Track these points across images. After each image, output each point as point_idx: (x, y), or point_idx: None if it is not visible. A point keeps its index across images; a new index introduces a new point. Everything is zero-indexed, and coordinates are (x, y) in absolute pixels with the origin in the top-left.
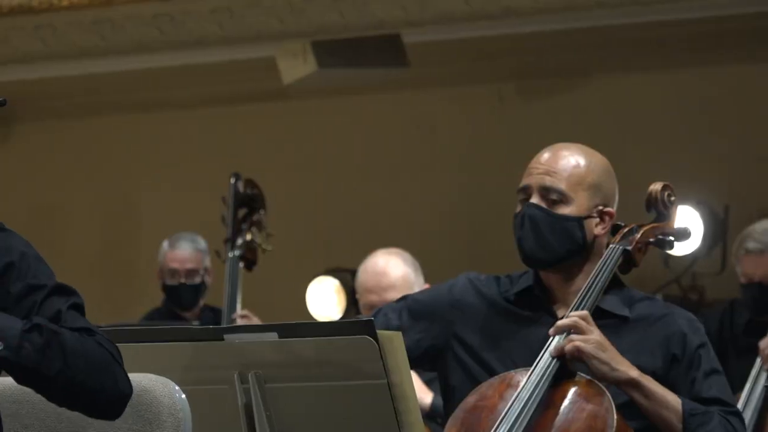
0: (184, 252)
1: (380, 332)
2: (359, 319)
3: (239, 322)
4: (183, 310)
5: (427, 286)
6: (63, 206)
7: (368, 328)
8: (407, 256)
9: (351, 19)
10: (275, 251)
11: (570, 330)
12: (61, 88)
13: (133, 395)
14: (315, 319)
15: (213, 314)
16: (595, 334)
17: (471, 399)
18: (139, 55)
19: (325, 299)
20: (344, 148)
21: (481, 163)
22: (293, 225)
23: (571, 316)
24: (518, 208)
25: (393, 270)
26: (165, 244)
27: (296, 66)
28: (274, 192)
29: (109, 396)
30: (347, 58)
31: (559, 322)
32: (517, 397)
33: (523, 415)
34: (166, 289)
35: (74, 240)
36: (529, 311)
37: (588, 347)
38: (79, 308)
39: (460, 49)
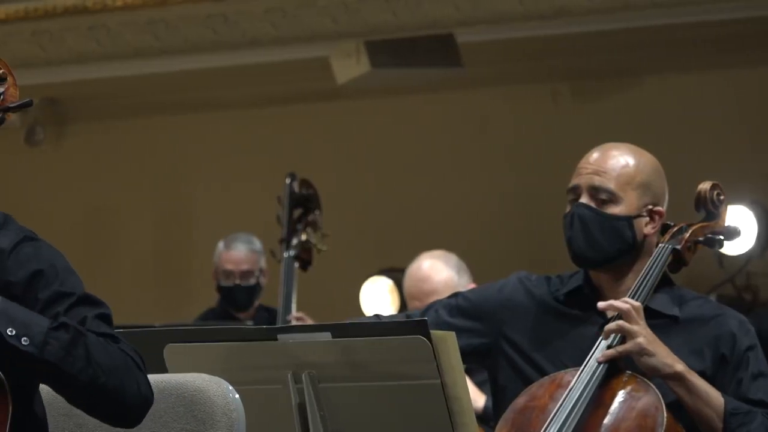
0: (240, 253)
1: (434, 332)
2: (412, 319)
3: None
4: (237, 311)
5: (472, 285)
6: (117, 206)
7: (421, 328)
8: (451, 258)
9: (404, 19)
10: (330, 251)
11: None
12: (114, 88)
13: (186, 395)
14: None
15: (268, 314)
16: (642, 327)
17: (521, 399)
18: (193, 55)
19: (379, 299)
20: (398, 148)
21: (533, 163)
22: (347, 225)
23: (626, 301)
24: (568, 208)
25: (435, 275)
26: (221, 245)
27: (350, 66)
28: (327, 192)
29: (131, 399)
30: (400, 58)
31: (607, 327)
32: (567, 396)
33: (573, 415)
34: (221, 290)
35: (128, 240)
36: (578, 311)
37: (634, 338)
38: (105, 318)
39: (513, 48)
